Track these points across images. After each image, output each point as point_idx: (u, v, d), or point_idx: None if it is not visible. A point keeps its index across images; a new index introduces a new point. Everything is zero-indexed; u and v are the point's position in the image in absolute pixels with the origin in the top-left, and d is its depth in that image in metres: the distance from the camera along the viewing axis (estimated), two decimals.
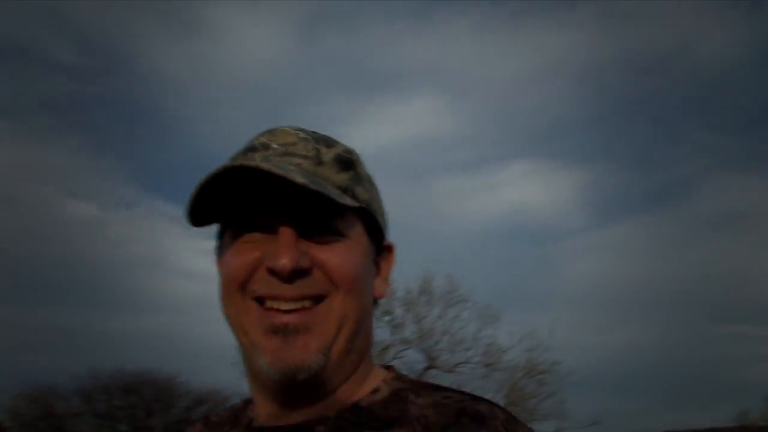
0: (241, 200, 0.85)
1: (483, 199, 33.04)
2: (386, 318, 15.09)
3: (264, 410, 0.92)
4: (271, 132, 0.91)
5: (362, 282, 0.89)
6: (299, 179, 0.79)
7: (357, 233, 0.89)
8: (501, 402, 14.42)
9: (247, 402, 1.00)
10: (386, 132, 33.86)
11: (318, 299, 0.85)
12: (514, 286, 30.00)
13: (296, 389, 0.86)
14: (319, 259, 0.85)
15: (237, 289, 0.87)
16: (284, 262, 0.82)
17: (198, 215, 0.86)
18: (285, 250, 0.83)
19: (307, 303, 0.85)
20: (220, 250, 0.92)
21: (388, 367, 0.97)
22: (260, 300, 0.85)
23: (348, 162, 0.91)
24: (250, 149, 0.90)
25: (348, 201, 0.85)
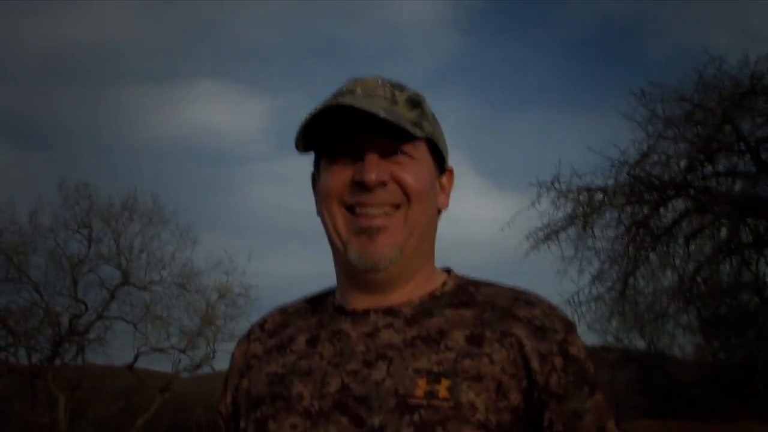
0: (336, 132, 1.07)
1: (167, 114, 31.71)
2: (83, 231, 15.18)
3: (353, 299, 1.10)
4: (355, 80, 1.11)
5: (429, 195, 1.10)
6: (382, 114, 1.01)
7: (425, 157, 1.11)
8: (195, 323, 15.33)
9: (325, 295, 1.18)
10: (61, 30, 29.38)
11: (395, 207, 1.07)
12: (209, 209, 28.33)
13: (380, 280, 1.07)
14: (397, 175, 1.06)
15: (333, 200, 1.08)
16: (371, 175, 1.04)
17: (304, 144, 1.08)
18: (370, 167, 1.05)
19: (387, 209, 1.06)
20: (317, 175, 1.13)
21: (448, 270, 1.17)
22: (351, 208, 1.07)
23: (417, 102, 1.12)
24: (339, 94, 1.09)
25: (417, 132, 1.06)
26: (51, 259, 14.98)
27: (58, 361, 15.09)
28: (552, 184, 11.50)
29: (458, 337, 1.03)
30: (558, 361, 1.02)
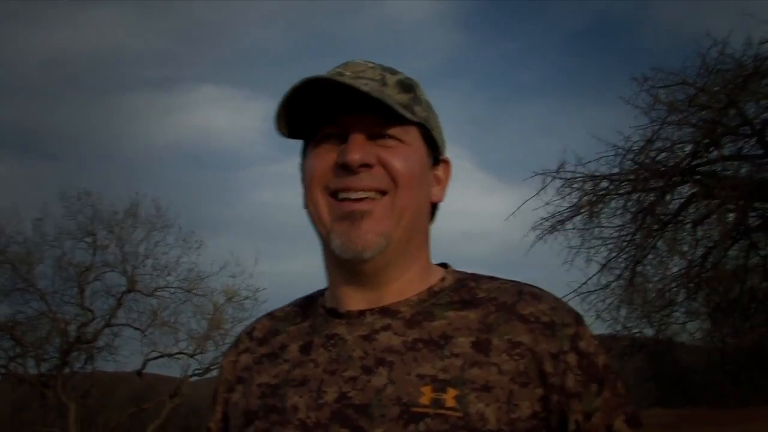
0: (319, 114, 1.01)
1: (169, 120, 32.15)
2: (88, 239, 15.21)
3: (346, 299, 1.04)
4: (344, 64, 1.05)
5: (418, 182, 1.03)
6: (364, 88, 0.95)
7: (416, 143, 1.04)
8: (203, 327, 15.39)
9: (313, 297, 1.12)
10: (61, 40, 29.82)
11: (382, 193, 1.00)
12: (211, 212, 29.10)
13: (368, 271, 1.01)
14: (383, 158, 1.00)
15: (317, 186, 1.02)
16: (353, 156, 0.98)
17: (288, 127, 1.03)
18: (354, 147, 0.99)
19: (372, 194, 0.99)
20: (304, 163, 1.07)
21: (444, 265, 1.11)
22: (334, 194, 1.00)
23: (408, 86, 1.05)
24: (341, 70, 1.04)
25: (407, 114, 0.99)
26: (57, 268, 14.95)
27: (67, 370, 15.05)
28: (557, 172, 11.47)
29: (463, 343, 0.97)
30: (571, 358, 0.97)
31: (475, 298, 1.02)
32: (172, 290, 15.47)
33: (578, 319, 1.02)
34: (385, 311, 1.01)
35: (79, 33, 30.08)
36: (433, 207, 1.10)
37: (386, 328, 1.00)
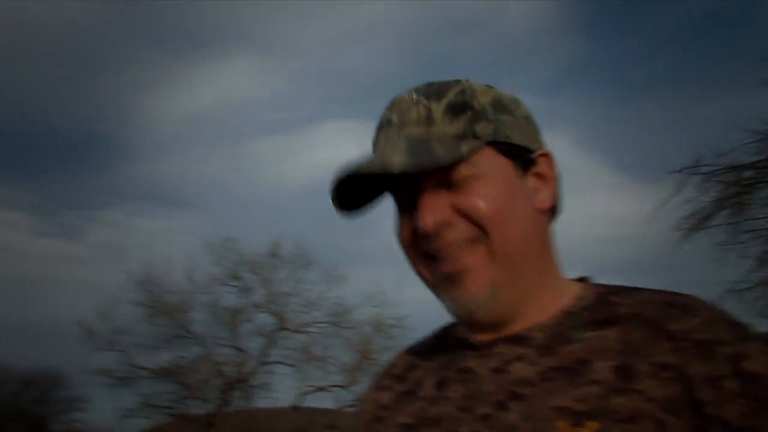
0: (386, 181, 0.96)
1: (298, 160, 33.02)
2: (235, 283, 16.02)
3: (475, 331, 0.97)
4: (392, 104, 0.97)
5: (509, 211, 0.92)
6: (397, 168, 0.87)
7: (492, 165, 0.93)
8: (353, 358, 14.92)
9: (449, 327, 1.05)
10: (200, 95, 33.57)
11: (472, 242, 0.91)
12: (352, 245, 29.55)
13: (487, 321, 0.93)
14: (460, 207, 0.91)
15: (410, 252, 0.96)
16: (424, 223, 0.90)
17: (354, 205, 0.98)
18: (422, 212, 0.91)
19: (464, 248, 0.91)
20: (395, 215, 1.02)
21: (582, 279, 1.00)
22: (427, 255, 0.94)
23: (460, 106, 0.93)
24: (380, 127, 0.97)
25: (464, 148, 0.90)
26: (210, 313, 15.85)
27: (228, 408, 15.79)
28: (695, 167, 10.83)
29: (603, 368, 0.86)
30: (733, 384, 0.81)
31: (616, 315, 0.90)
32: (321, 325, 16.06)
33: (743, 334, 0.85)
34: (516, 339, 0.93)
35: (207, 89, 32.97)
36: (553, 209, 0.99)
37: (519, 358, 0.91)
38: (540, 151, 0.97)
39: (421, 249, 0.93)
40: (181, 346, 15.71)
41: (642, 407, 0.82)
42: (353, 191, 0.95)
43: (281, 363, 16.02)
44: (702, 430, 0.81)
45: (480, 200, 0.90)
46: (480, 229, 0.90)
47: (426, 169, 0.88)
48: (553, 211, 0.99)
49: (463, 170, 0.90)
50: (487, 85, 0.97)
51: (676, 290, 0.93)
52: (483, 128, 0.92)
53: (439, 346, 1.03)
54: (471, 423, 0.90)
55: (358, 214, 0.99)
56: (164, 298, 15.67)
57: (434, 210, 0.90)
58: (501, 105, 0.96)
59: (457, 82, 0.96)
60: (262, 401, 16.48)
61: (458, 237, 0.90)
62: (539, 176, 0.96)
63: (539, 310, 0.94)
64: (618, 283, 0.97)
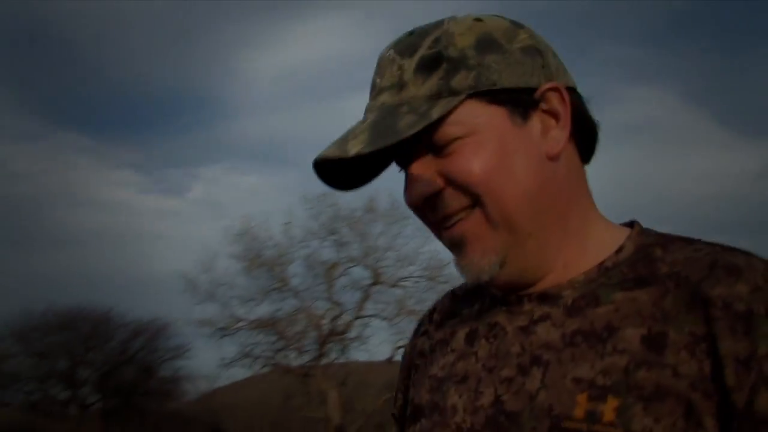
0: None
1: None
2: (331, 237, 16.23)
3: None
4: (377, 64, 0.87)
5: (500, 171, 0.81)
6: (352, 152, 0.79)
7: (480, 120, 0.81)
8: None
9: None
10: (288, 55, 33.27)
11: (469, 208, 0.83)
12: None
13: (505, 285, 0.86)
14: (447, 174, 0.82)
15: (419, 218, 0.89)
16: (410, 199, 0.85)
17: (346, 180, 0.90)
18: (410, 184, 0.84)
19: (461, 215, 0.83)
20: None
21: (632, 223, 0.89)
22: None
23: (434, 58, 0.82)
24: (372, 88, 0.88)
25: (433, 113, 0.79)
26: (306, 266, 16.23)
27: (324, 361, 16.24)
28: None
29: (631, 336, 0.76)
30: None
31: (655, 273, 0.80)
32: (415, 279, 16.14)
33: None
34: (544, 297, 0.85)
35: (303, 46, 33.75)
36: (587, 146, 0.89)
37: (544, 317, 0.84)
38: (546, 86, 0.83)
39: (426, 217, 0.87)
40: (278, 299, 16.23)
41: (668, 384, 0.73)
42: (355, 163, 0.85)
43: (376, 317, 16.28)
44: (724, 417, 0.71)
45: (466, 164, 0.81)
46: (472, 194, 0.81)
47: (388, 146, 0.77)
48: (581, 149, 0.88)
49: (448, 131, 0.80)
50: (476, 19, 0.84)
51: (739, 246, 0.80)
52: (461, 80, 0.81)
53: (477, 293, 0.95)
54: (494, 384, 0.84)
55: (366, 182, 0.91)
56: (262, 252, 16.16)
57: (419, 182, 0.83)
58: (488, 43, 0.83)
59: (438, 25, 0.84)
60: (358, 354, 16.93)
61: (451, 206, 0.83)
62: (549, 114, 0.84)
63: (572, 264, 0.85)
64: (681, 234, 0.85)
